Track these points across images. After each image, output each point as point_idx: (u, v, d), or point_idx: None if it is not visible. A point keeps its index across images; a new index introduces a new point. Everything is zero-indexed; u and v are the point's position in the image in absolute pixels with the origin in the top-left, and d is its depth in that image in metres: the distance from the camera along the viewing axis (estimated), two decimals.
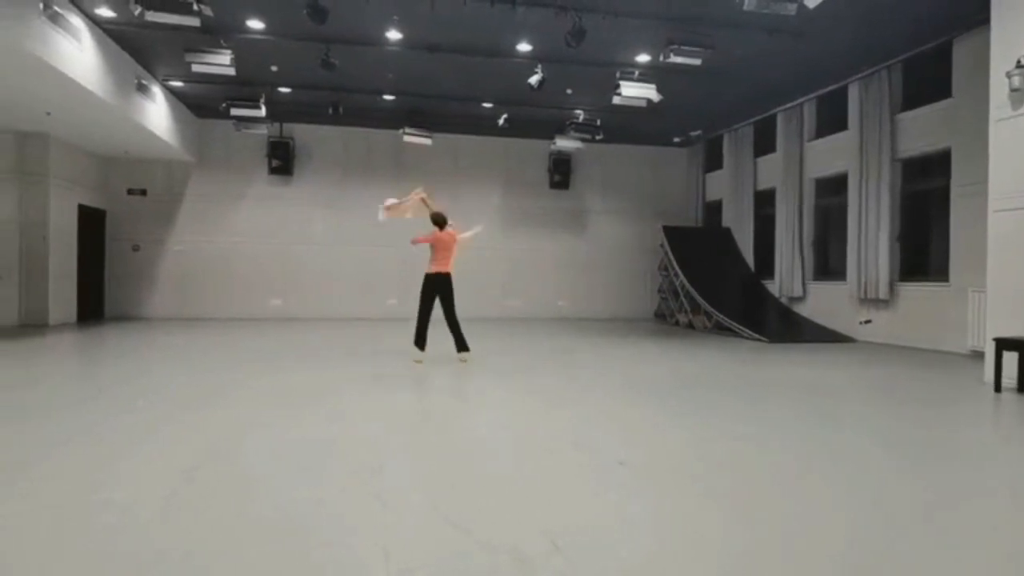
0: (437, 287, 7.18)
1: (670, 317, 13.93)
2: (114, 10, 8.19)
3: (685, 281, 12.83)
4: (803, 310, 11.86)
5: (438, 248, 7.22)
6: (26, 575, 2.18)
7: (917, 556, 2.40)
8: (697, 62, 8.71)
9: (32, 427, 4.18)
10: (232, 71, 9.14)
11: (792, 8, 6.99)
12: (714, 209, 15.16)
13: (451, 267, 7.25)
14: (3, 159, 10.83)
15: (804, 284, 11.94)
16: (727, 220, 14.25)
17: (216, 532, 2.50)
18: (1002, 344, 5.85)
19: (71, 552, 2.33)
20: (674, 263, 13.25)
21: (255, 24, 8.82)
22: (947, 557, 2.41)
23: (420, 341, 7.20)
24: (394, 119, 13.23)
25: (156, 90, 11.02)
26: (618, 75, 9.86)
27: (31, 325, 11.00)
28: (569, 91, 11.56)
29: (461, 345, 7.25)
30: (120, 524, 2.57)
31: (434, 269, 7.21)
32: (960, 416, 5.20)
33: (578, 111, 12.71)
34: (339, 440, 3.96)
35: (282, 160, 14.01)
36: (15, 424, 4.25)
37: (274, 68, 10.64)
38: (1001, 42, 6.23)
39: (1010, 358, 5.88)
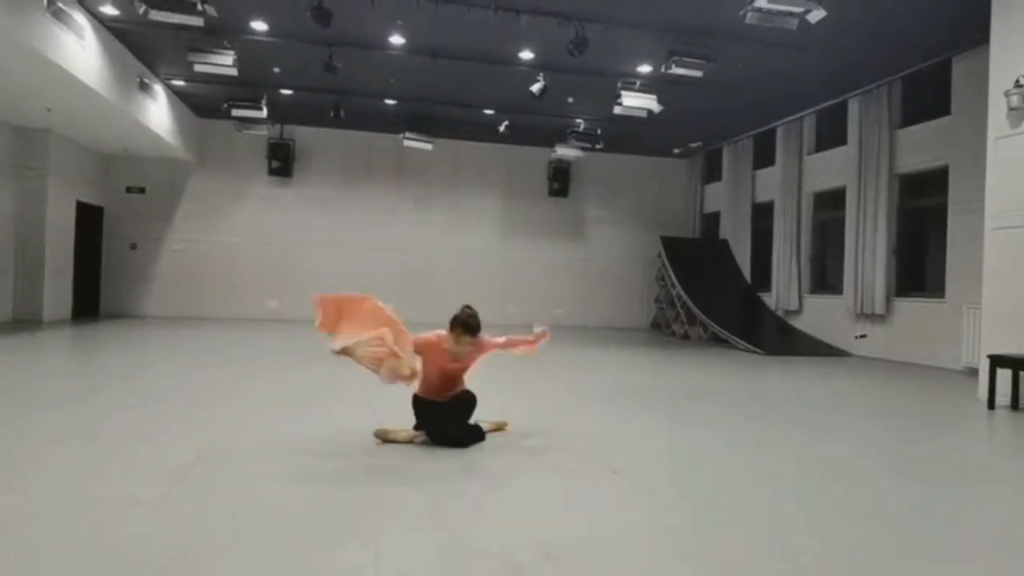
0: None
1: (666, 327, 13.93)
2: (118, 8, 8.19)
3: (682, 292, 12.85)
4: (799, 323, 11.87)
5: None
6: (21, 572, 2.17)
7: (906, 571, 2.40)
8: (698, 74, 8.75)
9: (24, 424, 4.16)
10: (235, 72, 9.15)
11: (794, 23, 7.02)
12: (712, 221, 15.19)
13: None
14: (2, 154, 10.80)
15: (800, 297, 11.96)
16: (725, 232, 14.28)
17: (208, 532, 2.49)
18: (996, 361, 5.86)
19: (66, 548, 2.32)
20: (671, 274, 13.27)
21: (259, 25, 8.84)
22: (936, 573, 2.41)
23: None
24: (395, 123, 13.24)
25: (158, 89, 11.02)
26: (619, 85, 9.89)
27: (24, 321, 10.95)
28: (570, 100, 11.59)
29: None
30: (115, 522, 2.55)
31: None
32: (952, 433, 5.21)
33: (579, 120, 12.75)
34: (333, 442, 3.95)
35: (282, 162, 14.01)
36: (7, 420, 4.23)
37: (276, 70, 10.66)
38: (1000, 61, 6.28)
39: (1004, 375, 5.88)
